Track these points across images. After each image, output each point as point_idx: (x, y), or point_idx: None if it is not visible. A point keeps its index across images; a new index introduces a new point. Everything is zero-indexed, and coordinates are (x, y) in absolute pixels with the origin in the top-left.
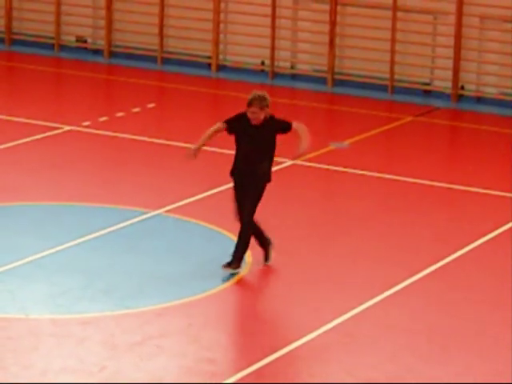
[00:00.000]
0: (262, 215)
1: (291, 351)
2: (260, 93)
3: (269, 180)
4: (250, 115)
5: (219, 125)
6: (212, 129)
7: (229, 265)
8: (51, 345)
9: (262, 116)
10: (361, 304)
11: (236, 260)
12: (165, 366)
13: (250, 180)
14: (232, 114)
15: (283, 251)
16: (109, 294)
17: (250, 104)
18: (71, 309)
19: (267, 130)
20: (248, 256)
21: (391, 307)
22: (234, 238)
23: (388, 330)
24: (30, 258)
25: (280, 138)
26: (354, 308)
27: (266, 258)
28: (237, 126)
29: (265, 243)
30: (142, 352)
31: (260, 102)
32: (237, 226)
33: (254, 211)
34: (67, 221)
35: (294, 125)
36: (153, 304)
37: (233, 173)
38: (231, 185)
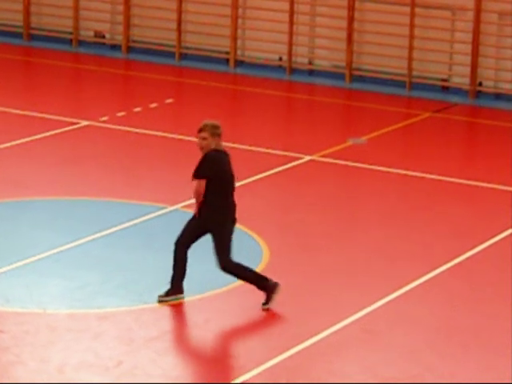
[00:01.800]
0: (279, 210)
1: (309, 347)
2: (214, 121)
3: (219, 226)
4: (199, 142)
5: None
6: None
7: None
8: (68, 339)
9: (212, 145)
10: (379, 300)
11: (266, 292)
12: (182, 362)
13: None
14: (249, 109)
15: (301, 247)
16: (126, 289)
17: (200, 129)
18: (88, 303)
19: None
20: (265, 251)
21: (409, 303)
22: (252, 234)
23: (406, 326)
24: (47, 253)
25: (296, 130)
26: (371, 304)
27: (168, 291)
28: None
29: (178, 277)
30: (158, 347)
31: (212, 128)
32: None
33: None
34: (84, 216)
35: (194, 181)
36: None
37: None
38: (247, 181)
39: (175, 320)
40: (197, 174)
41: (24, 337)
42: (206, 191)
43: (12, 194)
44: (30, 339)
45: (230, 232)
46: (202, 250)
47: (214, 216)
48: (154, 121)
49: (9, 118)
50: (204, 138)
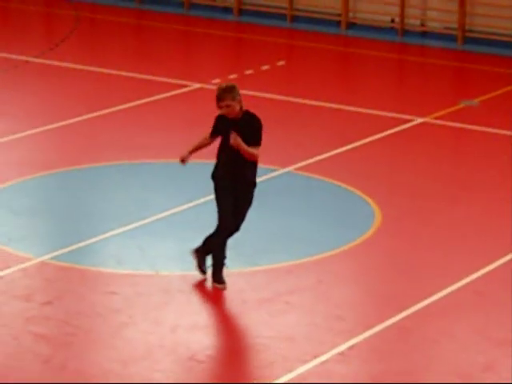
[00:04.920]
0: (392, 172)
1: (421, 309)
2: (226, 84)
3: (254, 185)
4: (223, 111)
5: (204, 136)
6: (199, 140)
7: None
8: (181, 301)
9: (236, 108)
10: (491, 262)
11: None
12: (294, 323)
13: (235, 185)
14: (361, 71)
15: (411, 209)
16: (238, 250)
17: (220, 98)
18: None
19: (246, 125)
20: (377, 213)
21: None
22: (363, 196)
23: None
24: (159, 215)
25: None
26: (484, 266)
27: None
28: (219, 127)
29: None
30: (271, 309)
31: (230, 92)
32: None
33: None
34: (196, 178)
35: (256, 150)
36: (282, 261)
37: (215, 176)
38: (359, 143)
39: (287, 281)
40: (260, 142)
41: (136, 298)
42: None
43: (124, 157)
44: (142, 301)
45: None
46: (314, 210)
47: (254, 180)
48: (265, 83)
49: (121, 81)
50: (228, 106)
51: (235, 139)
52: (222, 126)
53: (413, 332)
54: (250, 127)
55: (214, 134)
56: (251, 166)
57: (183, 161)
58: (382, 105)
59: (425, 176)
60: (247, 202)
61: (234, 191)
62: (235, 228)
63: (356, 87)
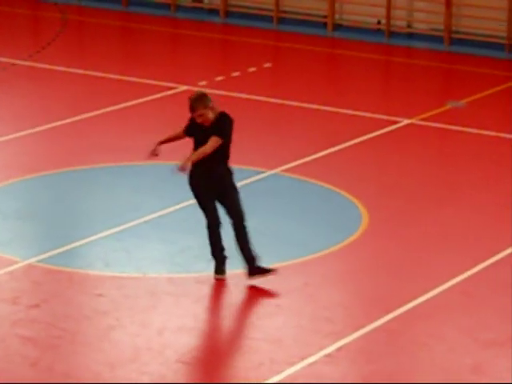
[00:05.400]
0: (378, 174)
1: (408, 311)
2: (197, 94)
3: (230, 173)
4: (199, 120)
5: (179, 130)
6: (173, 132)
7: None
8: (168, 303)
9: (210, 115)
10: (478, 263)
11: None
12: (282, 325)
13: (213, 183)
14: (348, 73)
15: (399, 211)
16: (226, 252)
17: (193, 109)
18: (188, 268)
19: (215, 126)
20: (364, 214)
21: (510, 267)
22: (350, 197)
23: (506, 290)
24: (147, 217)
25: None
26: (471, 268)
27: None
28: (191, 129)
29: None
30: (258, 311)
31: (201, 101)
32: None
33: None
34: (184, 180)
35: (214, 139)
36: (269, 263)
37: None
38: (345, 145)
39: (274, 284)
40: (224, 134)
41: (124, 301)
42: (223, 152)
43: (111, 159)
44: (129, 303)
45: None
46: (301, 212)
47: (230, 174)
48: (252, 85)
49: (108, 84)
50: (201, 115)
51: (180, 168)
52: (194, 130)
53: (400, 333)
54: (217, 123)
55: (186, 132)
56: (220, 160)
57: (155, 154)
58: (368, 106)
59: (412, 177)
60: (232, 191)
61: (216, 188)
62: (239, 218)
63: (343, 89)
